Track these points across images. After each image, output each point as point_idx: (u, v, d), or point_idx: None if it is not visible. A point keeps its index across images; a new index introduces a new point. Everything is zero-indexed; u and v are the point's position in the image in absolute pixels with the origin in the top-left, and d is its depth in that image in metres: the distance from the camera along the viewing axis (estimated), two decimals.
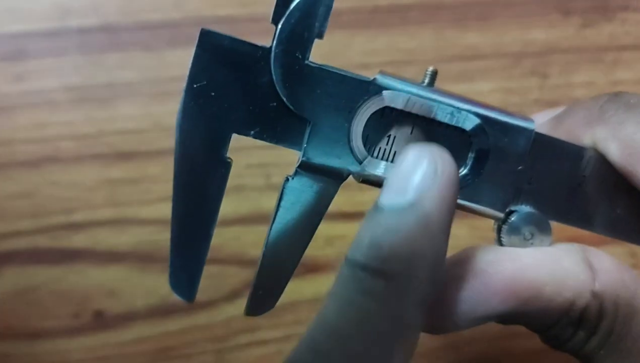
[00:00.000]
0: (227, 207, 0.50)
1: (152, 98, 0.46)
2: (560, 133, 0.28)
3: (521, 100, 0.49)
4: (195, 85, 0.25)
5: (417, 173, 0.24)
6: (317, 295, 0.45)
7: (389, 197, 0.24)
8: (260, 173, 0.46)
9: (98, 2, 0.46)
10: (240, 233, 0.45)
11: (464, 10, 0.49)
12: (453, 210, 0.24)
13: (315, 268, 0.46)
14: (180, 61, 0.46)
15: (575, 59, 0.50)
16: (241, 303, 0.45)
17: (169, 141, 0.46)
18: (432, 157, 0.24)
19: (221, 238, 0.45)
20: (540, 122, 0.30)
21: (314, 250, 0.45)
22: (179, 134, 0.26)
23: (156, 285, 0.45)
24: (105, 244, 0.45)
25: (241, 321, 0.45)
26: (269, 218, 0.46)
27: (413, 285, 0.23)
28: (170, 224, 0.27)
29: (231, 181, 0.50)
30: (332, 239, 0.46)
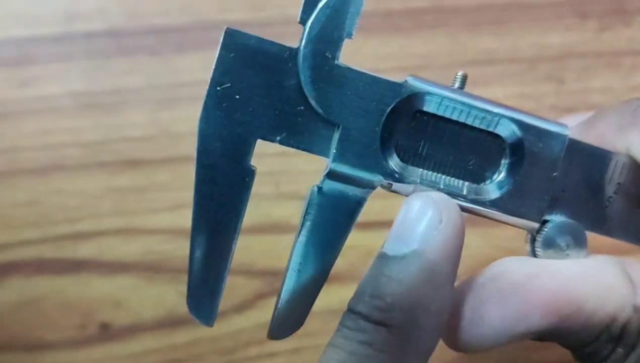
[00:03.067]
0: None
1: (160, 104, 0.45)
2: (591, 138, 0.27)
3: (537, 106, 0.48)
4: (218, 88, 0.24)
5: (421, 222, 0.24)
6: (327, 307, 0.44)
7: (392, 245, 0.24)
8: (269, 181, 0.45)
9: (104, 6, 0.46)
10: (249, 243, 0.44)
11: (479, 14, 0.48)
12: (458, 260, 0.25)
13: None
14: (188, 66, 0.46)
15: (593, 64, 0.49)
16: (250, 315, 0.45)
17: (177, 148, 0.45)
18: (438, 205, 0.24)
19: None
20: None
21: None
22: (200, 140, 0.25)
23: (164, 296, 0.44)
24: (112, 254, 0.44)
25: (250, 333, 0.44)
26: (278, 228, 0.45)
27: (416, 335, 0.23)
28: (190, 240, 0.25)
29: None
30: (343, 250, 0.44)
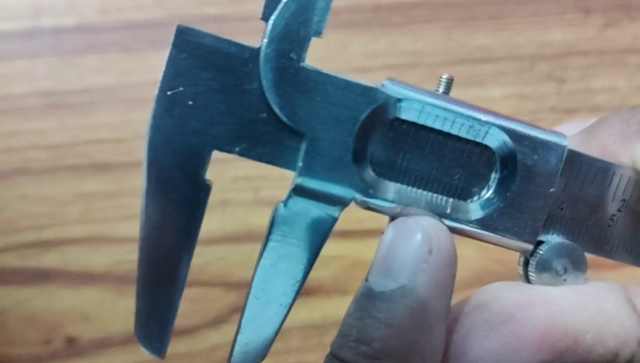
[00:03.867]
0: (212, 224, 0.47)
1: (132, 104, 0.44)
2: (592, 149, 0.26)
3: (537, 107, 0.46)
4: (169, 93, 0.23)
5: (409, 253, 0.22)
6: (308, 321, 0.43)
7: (378, 279, 0.22)
8: (247, 186, 0.43)
9: (75, 0, 0.45)
10: (225, 252, 0.43)
11: (474, 9, 0.47)
12: (451, 293, 0.23)
13: (308, 291, 0.43)
14: (163, 64, 0.44)
15: (596, 62, 0.47)
16: (226, 330, 0.43)
17: None
18: (426, 232, 0.22)
19: (205, 258, 0.43)
20: (568, 135, 0.27)
21: None
22: (149, 152, 0.23)
23: (134, 309, 0.42)
24: (79, 264, 0.43)
25: (226, 349, 0.42)
26: (257, 237, 0.43)
27: None
28: (137, 262, 0.24)
29: (216, 196, 0.47)
30: (326, 260, 0.44)
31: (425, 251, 0.22)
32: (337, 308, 0.43)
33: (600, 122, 0.27)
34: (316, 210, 0.24)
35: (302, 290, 0.46)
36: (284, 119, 0.23)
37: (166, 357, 0.44)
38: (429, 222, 0.23)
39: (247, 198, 0.43)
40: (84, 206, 0.43)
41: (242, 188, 0.43)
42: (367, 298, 0.22)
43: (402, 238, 0.23)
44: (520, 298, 0.23)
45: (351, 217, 0.44)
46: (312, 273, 0.44)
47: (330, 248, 0.43)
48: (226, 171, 0.43)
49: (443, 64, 0.46)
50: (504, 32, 0.47)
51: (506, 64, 0.47)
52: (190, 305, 0.42)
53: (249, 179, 0.43)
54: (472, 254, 0.43)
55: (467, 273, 0.44)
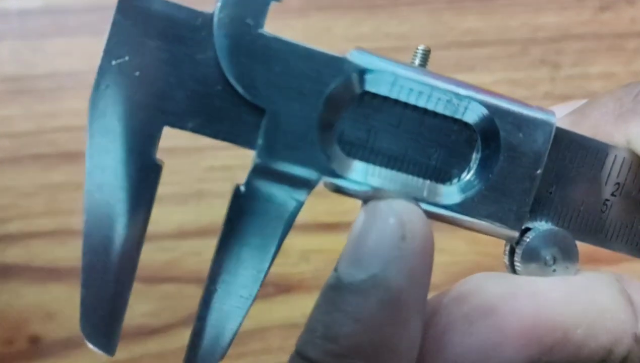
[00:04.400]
0: (186, 216, 0.45)
1: None
2: (584, 129, 0.25)
3: (529, 93, 0.46)
4: (113, 63, 0.21)
5: (380, 239, 0.21)
6: (288, 320, 0.42)
7: (347, 269, 0.21)
8: (224, 177, 0.42)
9: None
10: (200, 247, 0.42)
11: None
12: (428, 282, 0.21)
13: (288, 288, 0.42)
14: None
15: (592, 47, 0.47)
16: None
17: None
18: (399, 216, 0.21)
19: (178, 253, 0.42)
20: (559, 116, 0.27)
21: (287, 267, 0.42)
22: (92, 128, 0.22)
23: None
24: (44, 259, 0.42)
25: None
26: None
27: None
28: (82, 252, 0.23)
29: (191, 186, 0.45)
30: (307, 254, 0.42)
31: (398, 237, 0.21)
32: None
33: (592, 102, 0.26)
34: (280, 193, 0.22)
35: (282, 286, 0.45)
36: (241, 91, 0.22)
37: (137, 358, 0.43)
38: (403, 206, 0.22)
39: (224, 189, 0.42)
40: (49, 197, 0.42)
41: (219, 178, 0.42)
42: (335, 290, 0.21)
43: (373, 223, 0.21)
44: (504, 289, 0.22)
45: (334, 209, 0.42)
46: (292, 269, 0.43)
47: (311, 241, 0.42)
48: (202, 160, 0.42)
49: (431, 48, 0.45)
50: (495, 15, 0.46)
51: (497, 48, 0.46)
52: (163, 302, 0.41)
53: (226, 169, 0.42)
54: (462, 248, 0.42)
55: (456, 268, 0.43)
